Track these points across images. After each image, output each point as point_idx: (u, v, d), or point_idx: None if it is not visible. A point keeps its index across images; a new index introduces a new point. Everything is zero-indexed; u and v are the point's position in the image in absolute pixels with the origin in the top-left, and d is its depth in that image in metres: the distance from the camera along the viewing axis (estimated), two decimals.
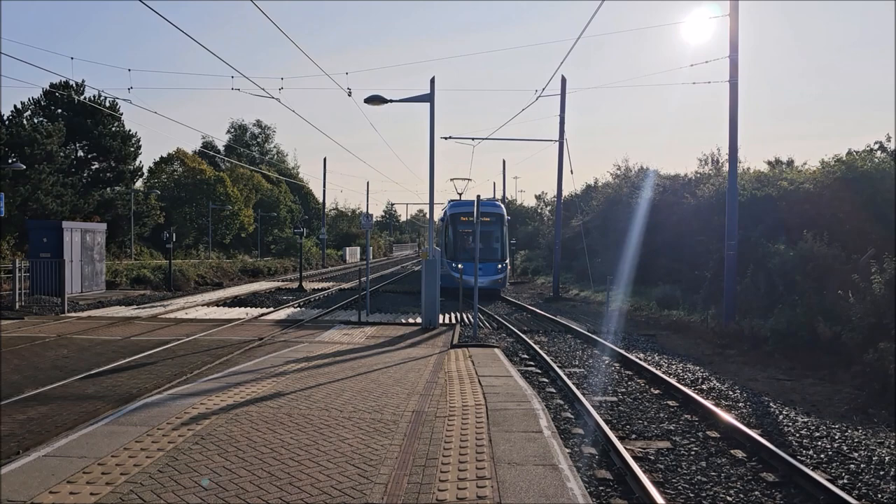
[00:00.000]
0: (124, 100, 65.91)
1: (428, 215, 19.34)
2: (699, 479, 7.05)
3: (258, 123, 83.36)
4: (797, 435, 8.70)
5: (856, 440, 8.47)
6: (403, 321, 18.92)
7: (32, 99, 43.01)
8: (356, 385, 9.84)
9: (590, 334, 16.88)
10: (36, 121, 41.16)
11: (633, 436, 8.60)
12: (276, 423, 7.63)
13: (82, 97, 41.53)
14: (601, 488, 6.72)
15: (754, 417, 9.55)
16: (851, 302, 13.33)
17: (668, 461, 7.62)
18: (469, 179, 41.69)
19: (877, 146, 22.53)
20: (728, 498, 6.57)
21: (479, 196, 21.01)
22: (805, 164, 27.92)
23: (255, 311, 21.28)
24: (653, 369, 12.34)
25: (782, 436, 8.66)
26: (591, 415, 9.03)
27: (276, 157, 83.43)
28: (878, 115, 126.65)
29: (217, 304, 24.15)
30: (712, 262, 20.43)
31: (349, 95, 20.24)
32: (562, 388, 11.10)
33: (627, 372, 12.69)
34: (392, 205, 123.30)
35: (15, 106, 41.99)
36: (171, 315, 19.90)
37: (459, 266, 22.42)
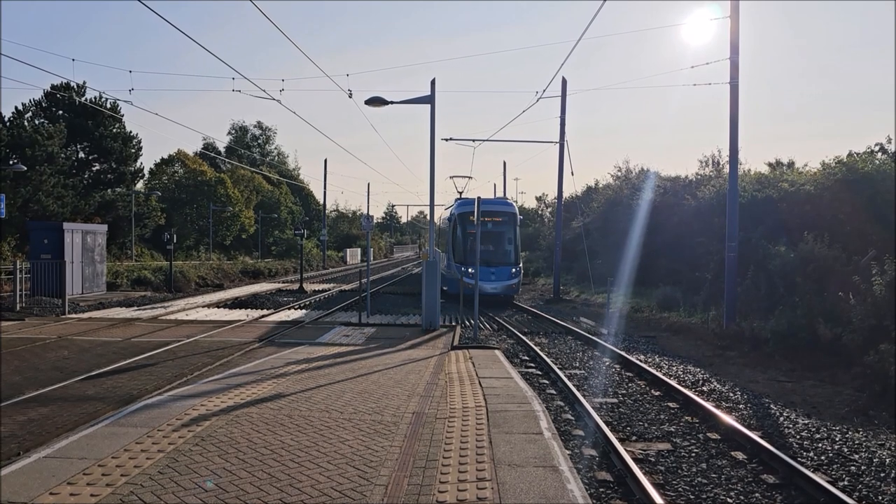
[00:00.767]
0: (125, 101, 66.04)
1: (428, 217, 19.33)
2: (700, 481, 7.04)
3: (259, 125, 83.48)
4: (798, 437, 8.69)
5: (856, 442, 8.46)
6: (404, 322, 18.92)
7: (33, 100, 43.06)
8: (356, 386, 9.84)
9: (590, 336, 16.87)
10: (37, 122, 41.18)
11: (634, 437, 8.60)
12: (276, 425, 7.63)
13: (83, 98, 41.56)
14: (601, 490, 6.72)
15: (755, 419, 9.55)
16: (852, 303, 13.32)
17: (668, 463, 7.62)
18: (470, 177, 40.31)
19: (877, 148, 22.53)
20: (728, 500, 6.57)
21: (478, 198, 20.89)
22: (806, 165, 27.96)
23: (256, 313, 21.28)
24: (653, 371, 12.33)
25: (783, 437, 8.66)
26: (592, 416, 9.02)
27: (276, 158, 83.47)
28: (879, 117, 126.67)
29: (218, 305, 24.15)
30: (713, 263, 20.42)
31: (350, 97, 20.26)
32: (562, 389, 11.10)
33: (628, 373, 12.68)
34: (393, 206, 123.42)
35: (16, 107, 42.05)
36: (172, 316, 19.91)
37: (470, 270, 21.74)
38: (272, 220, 65.61)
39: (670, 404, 10.29)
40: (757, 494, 6.72)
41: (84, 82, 43.22)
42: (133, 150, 46.45)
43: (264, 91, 21.14)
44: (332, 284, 36.81)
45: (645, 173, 35.80)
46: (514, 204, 28.85)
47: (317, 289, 32.96)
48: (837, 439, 8.55)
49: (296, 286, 32.75)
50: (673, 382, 11.35)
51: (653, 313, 22.19)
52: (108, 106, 42.47)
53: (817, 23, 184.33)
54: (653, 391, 11.21)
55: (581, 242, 30.83)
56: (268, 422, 7.75)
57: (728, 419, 9.03)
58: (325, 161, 63.63)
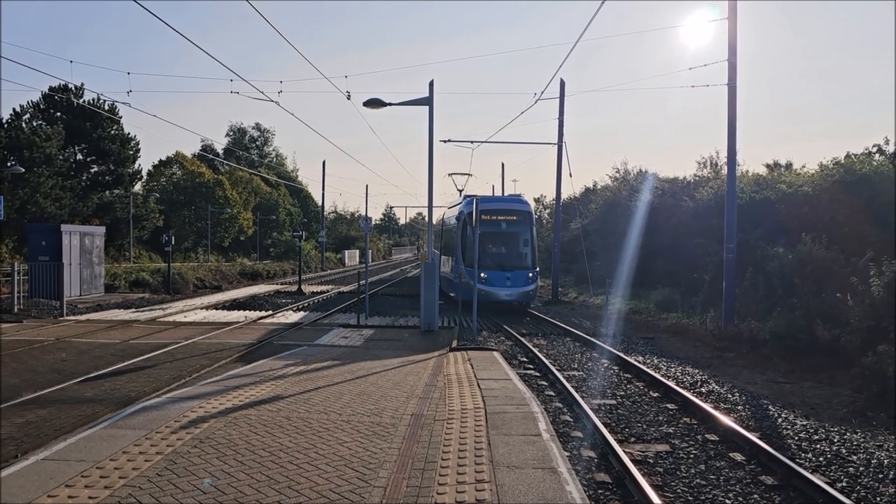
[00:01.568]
0: (123, 103, 66.06)
1: (427, 218, 19.33)
2: (698, 483, 7.05)
3: (257, 126, 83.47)
4: (796, 438, 8.70)
5: (855, 443, 8.47)
6: (402, 324, 18.92)
7: (31, 102, 43.09)
8: (355, 388, 9.83)
9: (589, 337, 16.88)
10: (35, 124, 41.19)
11: (632, 439, 8.60)
12: (274, 427, 7.62)
13: (81, 100, 41.54)
14: (600, 492, 6.72)
15: (753, 420, 9.55)
16: (850, 305, 13.34)
17: (666, 464, 7.62)
18: (469, 175, 36.63)
19: (875, 149, 22.59)
20: (727, 501, 6.57)
21: (473, 196, 20.76)
22: (804, 167, 28.00)
23: (255, 315, 21.27)
24: (651, 372, 12.34)
25: (781, 439, 8.66)
26: (590, 418, 9.02)
27: (275, 160, 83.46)
28: (878, 118, 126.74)
29: (216, 307, 24.13)
30: (711, 264, 20.44)
31: (348, 99, 20.25)
32: (560, 391, 11.10)
33: (626, 375, 12.69)
34: (391, 208, 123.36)
35: (14, 109, 42.00)
36: (170, 318, 19.89)
37: (483, 275, 20.21)
38: (270, 221, 65.59)
39: (669, 405, 10.29)
40: (755, 496, 6.73)
41: (82, 84, 43.26)
42: (131, 152, 46.45)
43: (262, 93, 21.16)
44: (330, 286, 36.80)
45: (643, 174, 35.85)
46: (529, 202, 25.97)
47: (315, 290, 32.94)
48: (836, 440, 8.56)
49: (294, 288, 32.73)
50: (671, 384, 11.36)
51: (651, 314, 22.21)
52: (106, 108, 42.47)
53: (816, 24, 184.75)
54: (651, 392, 11.21)
55: (579, 244, 30.86)
56: (266, 424, 7.74)
57: (726, 420, 9.03)
58: (324, 163, 63.55)
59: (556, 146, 29.11)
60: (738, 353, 15.20)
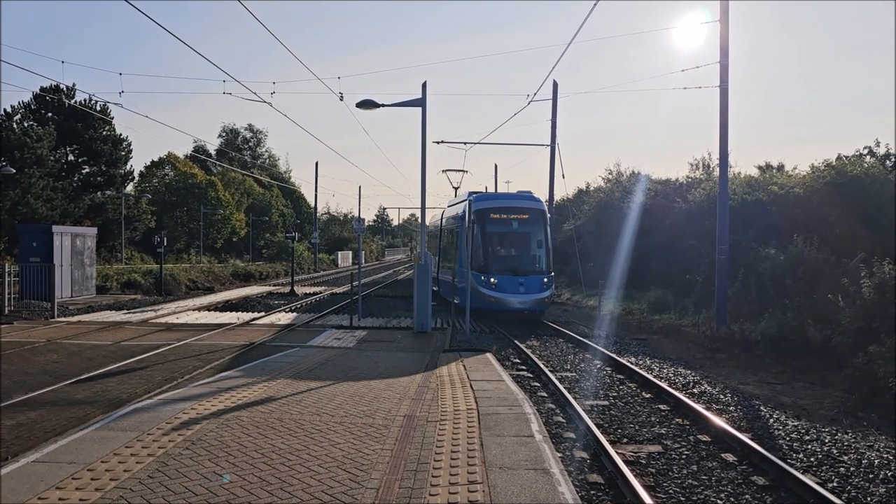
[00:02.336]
0: (115, 104, 65.55)
1: (420, 219, 19.33)
2: (690, 483, 7.06)
3: (250, 127, 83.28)
4: (787, 438, 8.73)
5: (846, 443, 8.51)
6: (395, 325, 18.91)
7: (22, 102, 42.88)
8: (348, 389, 9.82)
9: (581, 338, 16.90)
10: (26, 124, 40.97)
11: (625, 440, 8.62)
12: (267, 428, 7.60)
13: (73, 101, 41.37)
14: (592, 492, 6.73)
15: (745, 421, 9.59)
16: (841, 306, 13.40)
17: (659, 465, 7.64)
18: (465, 171, 34.37)
19: (866, 151, 22.72)
20: (719, 501, 6.59)
21: (479, 192, 20.10)
22: (795, 168, 28.17)
23: (247, 316, 21.21)
24: (644, 373, 12.37)
25: (773, 439, 8.70)
26: (583, 419, 9.04)
27: (267, 161, 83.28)
28: (869, 120, 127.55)
29: (208, 308, 24.06)
30: (703, 266, 20.51)
31: (341, 100, 20.31)
32: (553, 392, 11.11)
33: (619, 376, 12.71)
34: (384, 209, 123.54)
35: (5, 109, 41.77)
36: (162, 320, 19.82)
37: (493, 280, 18.91)
38: (263, 222, 65.43)
39: (661, 406, 10.31)
40: (747, 496, 6.75)
41: (73, 84, 43.10)
42: (123, 153, 46.28)
43: (255, 94, 21.06)
44: (323, 287, 36.73)
45: (636, 176, 35.94)
46: (542, 200, 23.49)
47: (308, 292, 32.88)
48: (827, 441, 8.60)
49: (287, 289, 32.67)
50: (664, 384, 11.39)
51: (644, 316, 22.27)
52: (98, 108, 42.29)
53: (808, 27, 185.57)
54: (644, 393, 11.24)
55: (573, 245, 30.91)
56: (258, 425, 7.72)
57: (718, 421, 9.06)
58: (317, 164, 63.73)
59: (549, 147, 29.21)
60: (730, 354, 15.26)
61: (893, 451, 8.26)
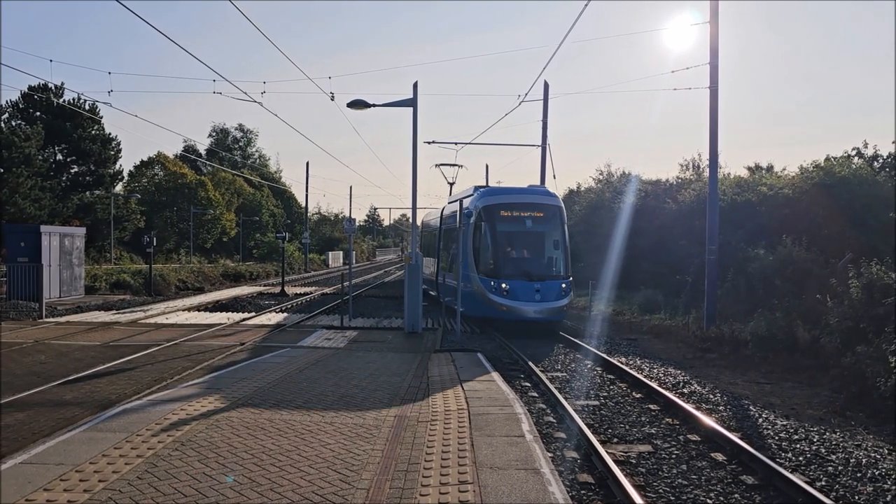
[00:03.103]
0: (104, 103, 65.06)
1: (411, 219, 19.33)
2: (680, 482, 7.09)
3: (240, 127, 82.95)
4: (776, 438, 8.78)
5: (834, 443, 8.56)
6: (386, 326, 18.89)
7: (10, 101, 42.55)
8: (338, 390, 9.80)
9: (572, 338, 16.93)
10: (14, 123, 40.67)
11: (615, 440, 8.64)
12: (257, 429, 7.58)
13: (61, 100, 41.10)
14: (583, 492, 6.74)
15: (734, 421, 9.63)
16: (829, 306, 13.49)
17: (649, 465, 7.67)
18: (460, 166, 31.00)
19: (854, 152, 22.89)
20: (708, 501, 6.62)
21: (486, 186, 18.96)
22: (784, 169, 28.35)
23: (237, 316, 21.14)
24: (634, 373, 12.40)
25: (762, 439, 8.74)
26: (573, 419, 9.06)
27: (258, 161, 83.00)
28: (858, 122, 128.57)
29: (198, 308, 23.96)
30: (693, 266, 20.60)
31: (332, 100, 20.24)
32: (544, 392, 11.12)
33: (609, 376, 12.74)
34: (375, 209, 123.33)
35: None
36: (152, 320, 19.72)
37: (505, 287, 17.14)
38: (254, 223, 65.20)
39: (651, 406, 10.35)
40: (736, 495, 6.78)
41: (62, 83, 42.80)
42: (112, 153, 46.00)
43: (245, 93, 20.92)
44: (314, 287, 36.64)
45: (627, 177, 36.03)
46: (558, 195, 20.84)
47: (299, 292, 32.79)
48: (815, 440, 8.65)
49: (277, 289, 32.57)
50: (654, 384, 11.42)
51: (634, 316, 22.33)
52: (87, 108, 42.02)
53: (798, 28, 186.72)
54: (634, 393, 11.27)
55: None
56: (249, 426, 7.70)
57: (708, 421, 9.10)
58: (307, 164, 63.26)
59: (540, 148, 29.22)
60: (719, 354, 15.32)
61: (881, 451, 8.33)
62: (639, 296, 23.83)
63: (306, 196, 63.67)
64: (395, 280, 43.57)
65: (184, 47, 52.10)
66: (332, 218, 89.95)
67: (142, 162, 58.05)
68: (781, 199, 21.26)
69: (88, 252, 35.80)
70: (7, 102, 42.61)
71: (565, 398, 10.34)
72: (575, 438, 8.39)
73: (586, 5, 14.19)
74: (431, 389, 10.00)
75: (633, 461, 7.77)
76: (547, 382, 11.46)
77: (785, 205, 20.91)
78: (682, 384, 12.03)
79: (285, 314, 22.27)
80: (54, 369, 11.87)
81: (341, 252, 73.99)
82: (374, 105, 17.40)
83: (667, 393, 10.76)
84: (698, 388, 11.74)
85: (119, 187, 49.61)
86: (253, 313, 22.32)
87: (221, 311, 23.30)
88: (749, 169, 31.37)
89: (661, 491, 6.86)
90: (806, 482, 6.91)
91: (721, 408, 10.38)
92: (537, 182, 28.82)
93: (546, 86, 28.66)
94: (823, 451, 8.21)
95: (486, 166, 61.53)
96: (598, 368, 13.45)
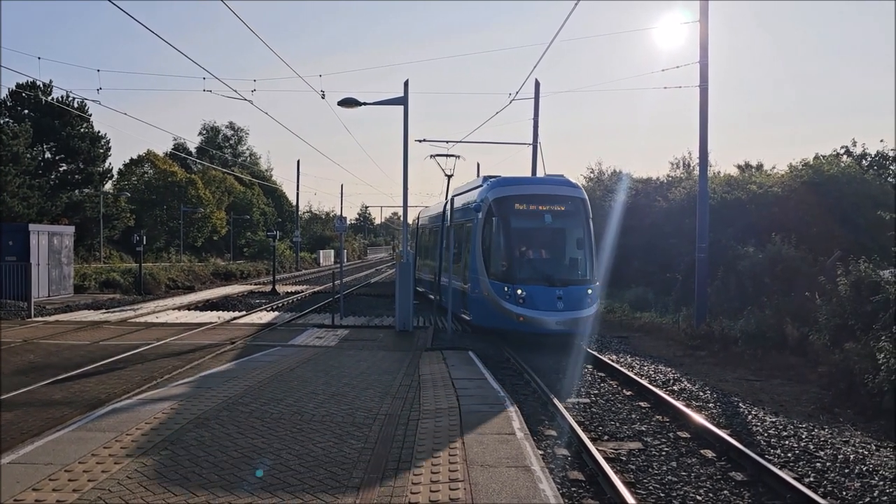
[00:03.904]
0: (93, 101, 64.61)
1: (402, 218, 19.29)
2: (670, 479, 7.12)
3: (231, 125, 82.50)
4: (765, 434, 8.83)
5: (822, 439, 8.62)
6: (377, 324, 18.87)
7: None
8: (329, 388, 9.79)
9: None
10: (2, 121, 40.33)
11: (606, 437, 8.67)
12: (247, 428, 7.56)
13: (50, 98, 40.79)
14: (573, 489, 6.76)
15: (724, 418, 9.68)
16: (818, 303, 13.58)
17: (639, 462, 7.70)
18: (457, 156, 28.12)
19: (843, 151, 23.08)
20: (698, 497, 6.65)
21: (496, 176, 17.45)
22: (774, 167, 28.53)
23: (228, 315, 21.07)
24: (625, 371, 12.45)
25: (751, 435, 8.79)
26: (564, 416, 9.09)
27: (248, 159, 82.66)
28: (848, 120, 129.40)
29: (188, 307, 23.87)
30: (684, 264, 20.68)
31: (322, 98, 20.16)
32: (535, 390, 11.15)
33: (600, 373, 12.78)
34: (366, 207, 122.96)
35: None
36: (142, 319, 19.63)
37: (521, 293, 14.80)
38: (244, 221, 64.93)
39: (642, 404, 10.39)
40: (725, 492, 6.82)
41: (51, 81, 42.49)
42: (101, 151, 45.68)
43: (236, 91, 20.67)
44: (305, 286, 36.56)
45: (617, 175, 36.07)
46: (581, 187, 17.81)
47: (290, 290, 32.72)
48: (804, 437, 8.71)
49: (268, 288, 32.48)
50: (644, 382, 11.47)
51: (625, 314, 22.40)
52: (76, 105, 41.72)
53: (789, 27, 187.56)
54: (624, 391, 11.31)
55: None
56: (238, 424, 7.68)
57: (698, 418, 9.14)
58: (298, 162, 63.05)
59: (531, 146, 29.25)
60: (709, 352, 15.39)
61: (868, 447, 8.39)
62: (629, 294, 23.89)
63: (297, 194, 63.53)
64: (386, 280, 43.54)
65: (173, 45, 51.86)
66: (324, 216, 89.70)
67: (131, 160, 57.66)
68: (771, 198, 21.39)
69: (77, 251, 35.57)
70: None
71: (556, 396, 10.36)
72: (566, 436, 8.41)
73: (576, 4, 14.22)
74: (423, 387, 10.00)
75: (624, 458, 7.80)
76: (538, 380, 11.49)
77: (774, 203, 21.04)
78: (672, 381, 12.08)
79: (276, 313, 22.22)
80: (43, 369, 11.80)
81: (333, 250, 73.82)
82: (364, 103, 17.37)
83: (657, 390, 10.80)
84: (688, 385, 11.79)
85: (108, 185, 49.29)
86: (243, 312, 22.26)
87: (212, 310, 23.23)
88: (739, 167, 31.54)
89: (651, 488, 6.89)
90: (794, 478, 6.96)
91: (711, 405, 10.44)
92: None
93: (537, 84, 28.70)
94: (812, 447, 8.27)
95: (478, 165, 61.74)
96: (588, 366, 13.48)
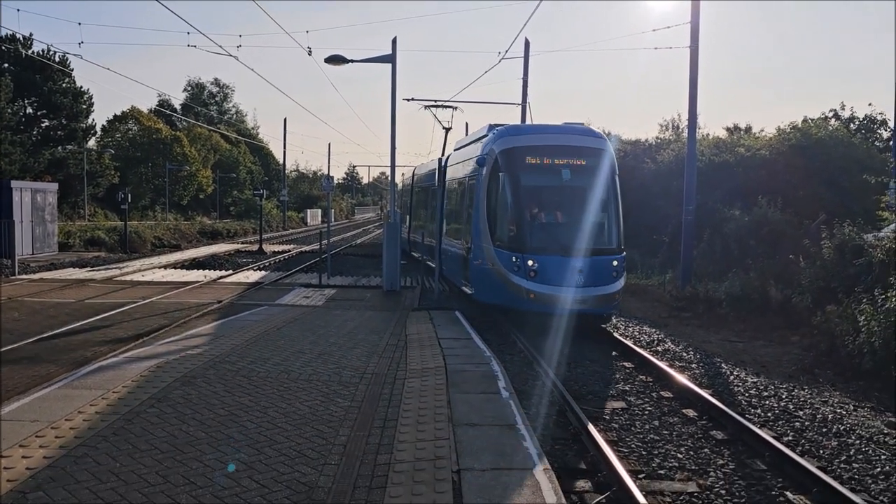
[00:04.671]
0: (75, 55, 63.32)
1: (389, 177, 19.18)
2: (652, 438, 7.25)
3: (216, 82, 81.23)
4: (746, 395, 8.99)
5: (802, 399, 8.79)
6: (365, 284, 18.88)
7: None
8: (316, 347, 9.82)
9: None
10: None
11: (590, 396, 8.79)
12: (234, 386, 7.59)
13: (30, 51, 39.85)
14: (557, 447, 6.87)
15: (706, 378, 9.83)
16: (802, 266, 13.70)
17: (622, 420, 7.82)
18: (455, 107, 22.20)
19: (831, 114, 23.07)
20: (679, 455, 6.78)
21: (504, 125, 15.00)
22: (762, 130, 28.48)
23: (214, 274, 21.00)
24: (610, 331, 12.55)
25: (732, 395, 8.94)
26: (549, 376, 9.19)
27: (234, 116, 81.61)
28: (837, 84, 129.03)
29: (175, 266, 23.75)
30: (670, 226, 20.75)
31: (309, 55, 19.85)
32: (521, 350, 11.24)
33: (585, 334, 12.86)
34: (354, 167, 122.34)
35: None
36: (127, 277, 19.53)
37: (532, 265, 12.39)
38: (231, 179, 64.37)
39: (626, 364, 10.52)
40: (706, 450, 6.95)
41: (31, 34, 41.50)
42: (84, 107, 44.86)
43: (221, 47, 20.29)
44: (292, 245, 36.43)
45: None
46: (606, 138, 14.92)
47: (277, 250, 32.61)
48: (784, 397, 8.86)
49: (255, 247, 32.35)
50: (629, 343, 11.59)
51: None
52: (57, 60, 40.81)
53: None
54: (610, 351, 11.43)
55: None
56: (226, 383, 7.71)
57: (681, 378, 9.27)
58: (285, 120, 62.40)
59: (521, 106, 28.98)
60: (694, 313, 15.55)
61: (846, 407, 8.56)
62: None
63: (284, 153, 62.92)
64: (374, 238, 43.48)
65: None
66: (311, 175, 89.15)
67: (115, 116, 56.70)
68: (759, 160, 21.40)
69: (61, 208, 35.19)
70: None
71: (541, 356, 10.46)
72: (550, 395, 8.51)
73: None
74: (409, 347, 10.06)
75: (607, 417, 7.92)
76: (523, 341, 11.58)
77: (762, 166, 21.07)
78: (656, 342, 12.22)
79: (263, 272, 22.17)
80: (28, 326, 11.75)
81: (320, 210, 73.47)
82: (352, 61, 17.11)
83: (641, 351, 10.93)
84: (672, 346, 11.93)
85: (92, 142, 48.58)
86: (230, 271, 22.18)
87: (198, 269, 23.12)
88: (728, 130, 31.49)
89: (633, 446, 7.01)
90: (774, 437, 7.10)
91: (694, 365, 10.58)
92: None
93: (527, 43, 28.31)
94: (791, 407, 8.43)
95: (466, 125, 60.78)
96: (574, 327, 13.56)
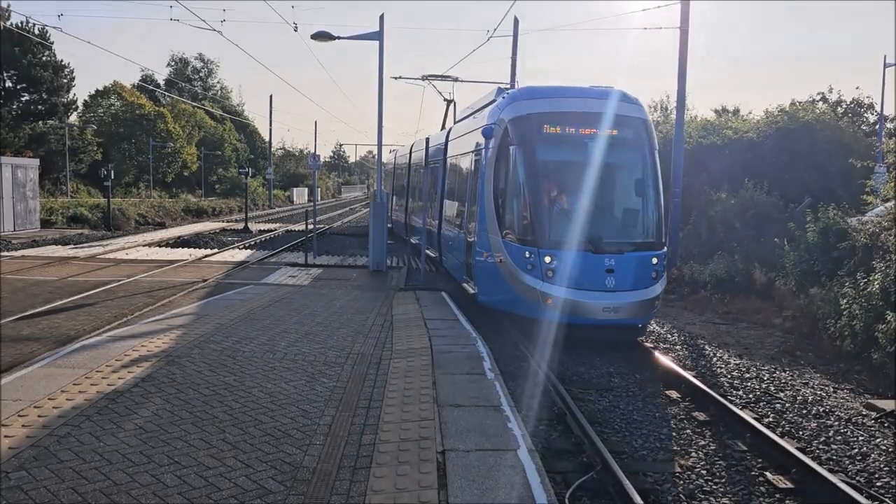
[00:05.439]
0: (54, 27, 62.28)
1: (376, 155, 19.07)
2: (635, 418, 7.32)
3: (200, 57, 79.92)
4: (729, 376, 9.08)
5: (783, 381, 8.89)
6: (351, 263, 18.82)
7: None
8: (301, 327, 9.80)
9: None
10: None
11: (574, 377, 8.84)
12: (219, 366, 7.56)
13: (8, 23, 39.05)
14: (541, 428, 6.91)
15: (690, 360, 9.92)
16: (787, 249, 13.81)
17: (606, 402, 7.88)
18: (456, 78, 22.46)
19: (819, 97, 23.14)
20: (661, 436, 6.85)
21: (516, 89, 13.20)
22: (750, 112, 28.54)
23: (199, 253, 20.85)
24: None
25: (715, 377, 9.03)
26: (534, 357, 9.22)
27: (220, 93, 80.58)
28: (828, 67, 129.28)
29: (159, 244, 23.56)
30: None
31: (295, 31, 19.69)
32: (507, 331, 11.26)
33: None
34: (341, 145, 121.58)
35: None
36: (111, 255, 19.35)
37: (549, 262, 9.94)
38: (216, 157, 63.73)
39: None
40: (688, 431, 7.03)
41: (8, 5, 40.66)
42: (65, 81, 44.17)
43: (205, 21, 19.90)
44: (278, 224, 36.24)
45: None
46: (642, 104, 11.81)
47: (262, 229, 32.42)
48: (765, 378, 8.97)
49: (241, 226, 32.14)
50: None
51: None
52: (36, 32, 40.06)
53: None
54: None
55: None
56: (210, 362, 7.67)
57: (665, 360, 9.35)
58: (271, 97, 61.96)
59: (509, 85, 28.83)
60: (679, 295, 15.66)
61: (826, 388, 8.68)
62: None
63: (270, 130, 62.43)
64: (361, 217, 43.33)
65: None
66: (297, 153, 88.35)
67: (97, 91, 55.87)
68: (746, 143, 21.44)
69: (43, 185, 34.73)
70: None
71: (526, 338, 10.48)
72: (535, 377, 8.55)
73: None
74: (395, 327, 10.06)
75: (592, 398, 7.98)
76: (509, 322, 11.59)
77: (749, 148, 21.11)
78: None
79: (249, 251, 22.04)
80: (10, 304, 11.62)
81: (306, 188, 73.04)
82: (339, 37, 16.90)
83: None
84: (657, 328, 12.02)
85: (73, 118, 47.88)
86: (216, 250, 22.03)
87: (183, 248, 22.94)
88: (716, 112, 31.51)
89: (616, 426, 7.08)
90: (755, 418, 7.19)
91: (678, 347, 10.67)
92: None
93: (516, 21, 28.09)
94: (773, 388, 8.53)
95: (454, 103, 60.07)
96: None
